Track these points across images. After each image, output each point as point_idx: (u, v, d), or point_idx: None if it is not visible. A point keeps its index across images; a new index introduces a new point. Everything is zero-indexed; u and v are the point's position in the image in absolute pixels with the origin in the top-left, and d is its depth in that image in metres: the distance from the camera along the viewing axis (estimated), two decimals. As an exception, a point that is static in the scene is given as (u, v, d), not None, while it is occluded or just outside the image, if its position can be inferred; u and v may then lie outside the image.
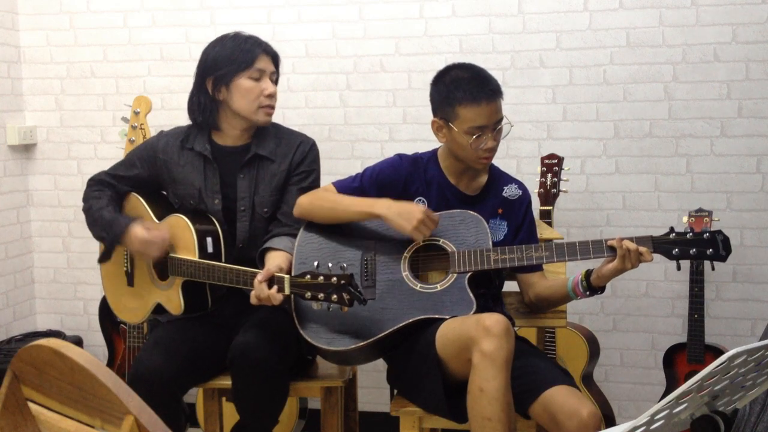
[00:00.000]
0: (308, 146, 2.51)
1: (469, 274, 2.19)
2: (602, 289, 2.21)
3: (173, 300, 2.40)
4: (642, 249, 2.10)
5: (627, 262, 2.10)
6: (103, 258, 2.59)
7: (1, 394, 1.20)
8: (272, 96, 2.44)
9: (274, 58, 2.47)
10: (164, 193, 2.58)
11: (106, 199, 2.51)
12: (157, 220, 2.47)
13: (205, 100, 2.43)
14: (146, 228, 2.38)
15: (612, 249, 2.13)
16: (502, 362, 1.94)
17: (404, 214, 2.19)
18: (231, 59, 2.39)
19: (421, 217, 2.17)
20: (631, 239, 2.12)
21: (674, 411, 1.23)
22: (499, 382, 1.93)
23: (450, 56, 3.17)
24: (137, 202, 2.54)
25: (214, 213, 2.45)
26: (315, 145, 2.53)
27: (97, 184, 2.56)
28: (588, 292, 2.20)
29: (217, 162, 2.46)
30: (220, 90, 2.41)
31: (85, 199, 2.56)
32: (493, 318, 1.97)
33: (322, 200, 2.34)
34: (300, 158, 2.48)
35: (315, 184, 2.50)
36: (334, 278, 2.05)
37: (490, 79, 2.25)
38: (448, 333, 2.07)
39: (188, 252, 2.36)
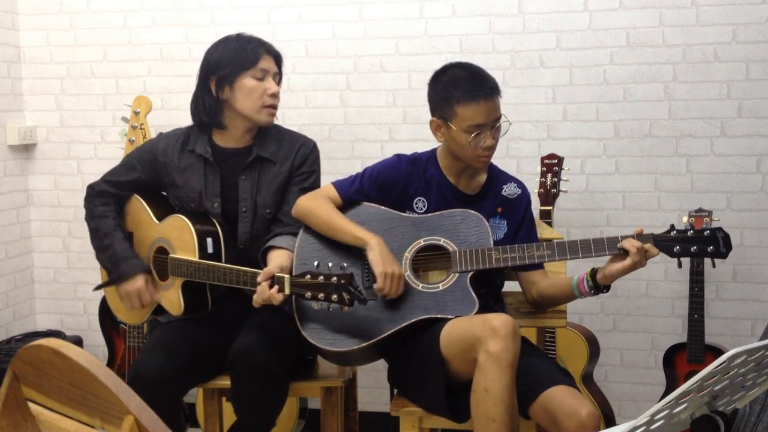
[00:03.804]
0: (309, 148, 2.52)
1: (471, 273, 2.19)
2: (608, 288, 2.21)
3: (173, 300, 2.40)
4: (647, 245, 2.10)
5: (639, 262, 2.10)
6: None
7: (1, 394, 1.20)
8: (275, 96, 2.44)
9: (277, 59, 2.48)
10: (165, 193, 2.58)
11: (113, 219, 2.50)
12: (157, 222, 2.47)
13: (209, 101, 2.43)
14: (146, 288, 2.41)
15: (614, 248, 2.13)
16: (508, 363, 1.94)
17: (386, 260, 2.18)
18: (234, 59, 2.39)
19: (398, 273, 2.16)
20: (632, 237, 2.12)
21: (674, 411, 1.23)
22: (504, 383, 1.93)
23: (450, 56, 3.17)
24: (139, 205, 2.54)
25: (215, 216, 2.45)
26: (316, 147, 2.54)
27: (99, 197, 2.54)
28: (593, 291, 2.20)
29: (218, 164, 2.46)
30: (223, 90, 2.41)
31: (90, 214, 2.53)
32: (500, 318, 1.97)
33: (319, 209, 2.33)
34: (301, 160, 2.49)
35: (316, 184, 2.51)
36: (334, 278, 2.05)
37: (488, 77, 2.25)
38: (453, 332, 2.07)
39: (188, 252, 2.36)
